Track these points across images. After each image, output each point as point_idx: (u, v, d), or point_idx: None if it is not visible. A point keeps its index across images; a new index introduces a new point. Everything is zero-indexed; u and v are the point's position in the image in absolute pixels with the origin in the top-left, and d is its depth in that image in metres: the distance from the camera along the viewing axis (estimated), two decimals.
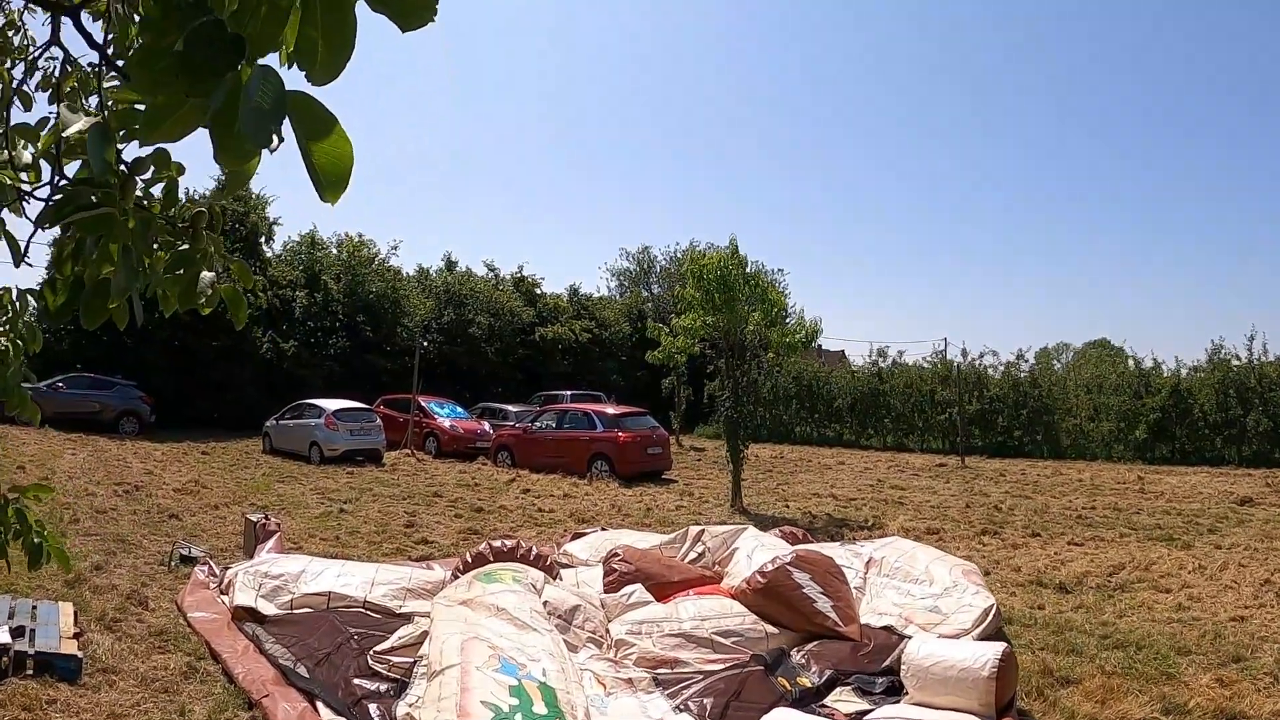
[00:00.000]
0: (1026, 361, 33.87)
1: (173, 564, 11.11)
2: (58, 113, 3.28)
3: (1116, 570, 12.30)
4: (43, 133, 3.26)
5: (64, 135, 2.55)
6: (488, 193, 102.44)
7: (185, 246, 2.66)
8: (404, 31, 1.49)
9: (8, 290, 3.29)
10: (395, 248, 48.52)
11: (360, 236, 39.09)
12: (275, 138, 1.47)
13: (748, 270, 18.24)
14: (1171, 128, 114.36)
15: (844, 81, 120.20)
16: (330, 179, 1.53)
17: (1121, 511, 17.67)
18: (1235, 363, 28.84)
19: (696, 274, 18.28)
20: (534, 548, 9.45)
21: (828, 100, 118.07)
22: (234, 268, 2.85)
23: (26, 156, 2.91)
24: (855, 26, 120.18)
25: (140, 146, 1.65)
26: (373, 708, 6.51)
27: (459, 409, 29.25)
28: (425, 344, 31.32)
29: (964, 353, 33.71)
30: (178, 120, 1.55)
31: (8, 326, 3.26)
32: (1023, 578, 11.95)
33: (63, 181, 2.83)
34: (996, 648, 7.13)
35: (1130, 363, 31.97)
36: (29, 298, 3.25)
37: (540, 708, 5.51)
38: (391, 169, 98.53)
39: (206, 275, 2.67)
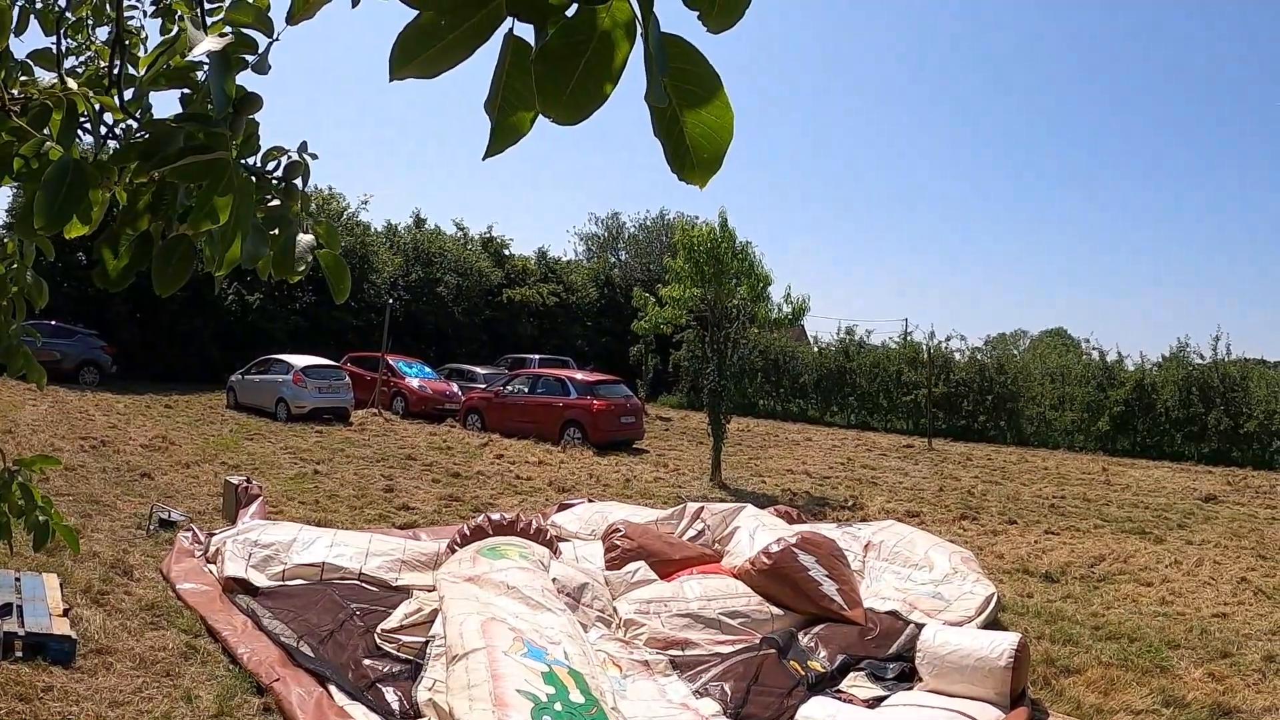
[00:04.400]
0: (993, 348, 34.08)
1: (152, 528, 10.75)
2: (174, 30, 2.87)
3: (1097, 561, 12.38)
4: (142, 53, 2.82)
5: (190, 58, 2.09)
6: (458, 150, 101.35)
7: (276, 203, 2.32)
8: (712, 33, 1.15)
9: (10, 238, 2.91)
10: (365, 203, 47.80)
11: (330, 190, 38.46)
12: (660, 97, 1.12)
13: (736, 244, 18.09)
14: (1139, 124, 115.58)
15: (815, 62, 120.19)
16: (703, 156, 1.23)
17: (1091, 502, 17.79)
18: (1198, 361, 29.10)
19: (686, 245, 18.13)
20: (534, 522, 9.30)
21: (798, 79, 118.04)
22: (320, 230, 2.43)
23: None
24: (825, 9, 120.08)
25: (390, 81, 1.23)
26: (388, 691, 6.29)
27: (427, 369, 28.86)
28: (392, 301, 30.85)
29: (931, 335, 33.84)
30: (448, 47, 1.19)
31: (12, 280, 2.87)
32: (1007, 565, 12.00)
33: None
34: (1012, 638, 7.10)
35: (1095, 355, 32.21)
36: (35, 247, 2.86)
37: (577, 695, 5.35)
38: (362, 121, 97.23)
39: (305, 239, 2.32)
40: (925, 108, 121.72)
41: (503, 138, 1.25)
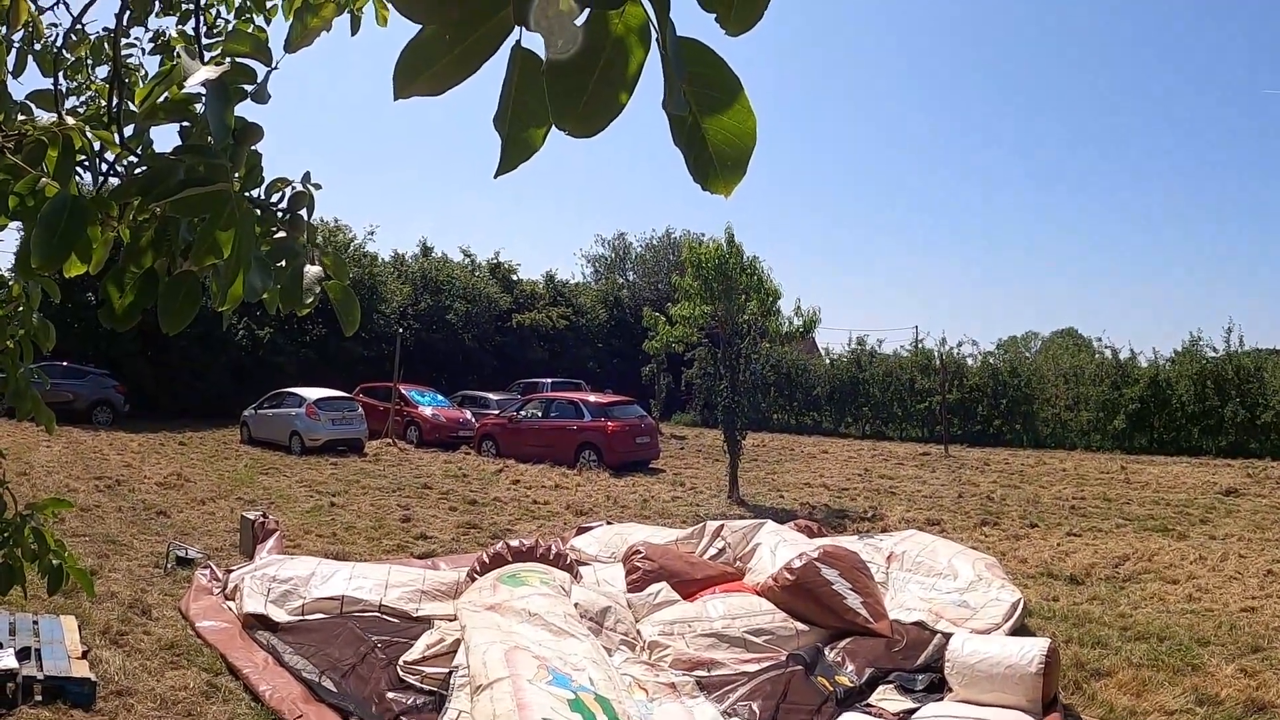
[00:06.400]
0: (1005, 351, 33.99)
1: (169, 566, 10.71)
2: (176, 61, 2.82)
3: (1121, 561, 12.30)
4: (139, 86, 2.79)
5: (186, 89, 2.01)
6: (463, 177, 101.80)
7: (282, 235, 2.28)
8: (731, 36, 1.09)
9: (15, 280, 2.89)
10: (372, 233, 48.09)
11: (336, 221, 38.51)
12: (680, 104, 1.07)
13: (744, 259, 18.05)
14: (1140, 117, 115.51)
15: (818, 67, 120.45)
16: (727, 164, 1.17)
17: (1112, 502, 17.70)
18: (1211, 354, 28.92)
19: (695, 263, 18.10)
20: (553, 546, 9.24)
21: (801, 86, 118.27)
22: (327, 261, 2.37)
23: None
24: (833, 17, 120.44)
25: (395, 100, 1.19)
26: None
27: (440, 397, 28.83)
28: (402, 330, 30.89)
29: (943, 341, 33.74)
30: (453, 62, 1.13)
31: (18, 321, 2.88)
32: (1031, 569, 11.92)
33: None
34: (1042, 644, 7.03)
35: (1107, 353, 32.08)
36: (40, 289, 2.85)
37: None
38: (368, 152, 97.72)
39: (312, 270, 2.27)
40: (925, 110, 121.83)
41: (514, 154, 1.20)
